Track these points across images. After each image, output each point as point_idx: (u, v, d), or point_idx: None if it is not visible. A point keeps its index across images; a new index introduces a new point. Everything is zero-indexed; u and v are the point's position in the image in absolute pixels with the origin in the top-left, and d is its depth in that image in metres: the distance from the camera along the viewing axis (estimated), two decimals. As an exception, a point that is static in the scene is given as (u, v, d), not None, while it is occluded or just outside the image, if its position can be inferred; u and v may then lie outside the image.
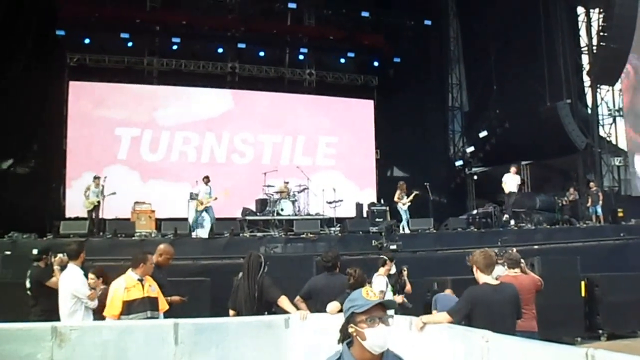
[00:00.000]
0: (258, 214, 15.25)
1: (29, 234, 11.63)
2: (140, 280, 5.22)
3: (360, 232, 13.35)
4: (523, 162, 20.56)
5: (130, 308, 5.06)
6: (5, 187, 16.45)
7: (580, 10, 19.71)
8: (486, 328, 3.93)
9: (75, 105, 18.16)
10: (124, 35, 19.52)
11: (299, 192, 15.65)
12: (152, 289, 5.27)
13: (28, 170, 18.60)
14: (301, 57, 22.28)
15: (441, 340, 4.38)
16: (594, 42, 18.48)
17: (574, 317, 9.79)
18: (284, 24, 22.04)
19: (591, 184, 16.73)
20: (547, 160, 20.37)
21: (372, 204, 16.04)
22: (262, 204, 15.47)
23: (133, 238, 12.00)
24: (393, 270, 7.34)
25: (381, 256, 7.40)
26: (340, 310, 3.32)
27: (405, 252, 11.79)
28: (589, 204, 16.03)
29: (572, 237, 14.18)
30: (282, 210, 14.82)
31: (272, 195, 15.19)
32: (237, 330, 4.80)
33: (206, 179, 13.70)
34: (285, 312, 5.20)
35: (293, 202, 15.14)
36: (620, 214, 15.49)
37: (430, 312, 6.08)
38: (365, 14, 22.12)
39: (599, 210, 15.83)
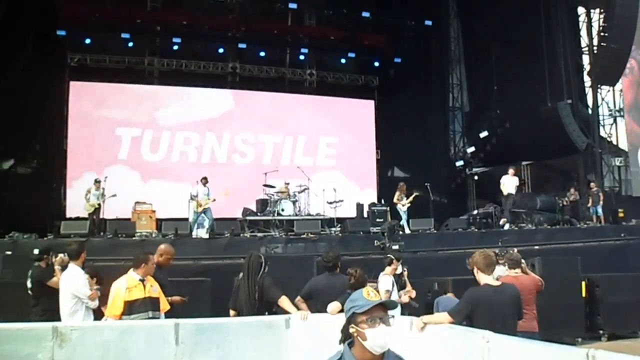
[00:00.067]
0: (258, 214, 15.25)
1: (30, 234, 11.63)
2: (142, 281, 5.22)
3: (361, 233, 13.35)
4: (524, 163, 20.55)
5: (131, 308, 5.06)
6: (6, 187, 16.45)
7: (581, 10, 19.70)
8: (487, 328, 3.92)
9: (75, 105, 18.17)
10: (124, 35, 19.51)
11: (299, 192, 15.64)
12: (153, 289, 5.28)
13: (29, 170, 18.61)
14: (302, 57, 22.27)
15: (442, 341, 4.38)
16: (595, 42, 18.47)
17: (574, 318, 9.79)
18: (285, 24, 22.04)
19: (592, 184, 16.72)
20: (548, 160, 20.36)
21: (372, 204, 16.03)
22: (263, 204, 15.47)
23: (134, 238, 11.99)
24: (399, 270, 7.32)
25: (388, 255, 7.37)
26: (341, 311, 3.32)
27: (405, 253, 11.76)
28: (589, 205, 16.03)
29: (573, 238, 14.17)
30: (282, 210, 14.82)
31: (273, 195, 15.19)
32: (238, 330, 4.80)
33: (204, 180, 13.69)
34: (285, 312, 5.20)
35: (294, 203, 15.14)
36: (621, 214, 15.49)
37: (431, 313, 6.08)
38: (365, 14, 22.11)
39: (600, 210, 15.83)
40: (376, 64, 23.03)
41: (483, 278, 4.61)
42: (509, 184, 15.06)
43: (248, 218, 14.79)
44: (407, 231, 13.95)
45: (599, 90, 19.17)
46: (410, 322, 4.63)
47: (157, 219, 14.37)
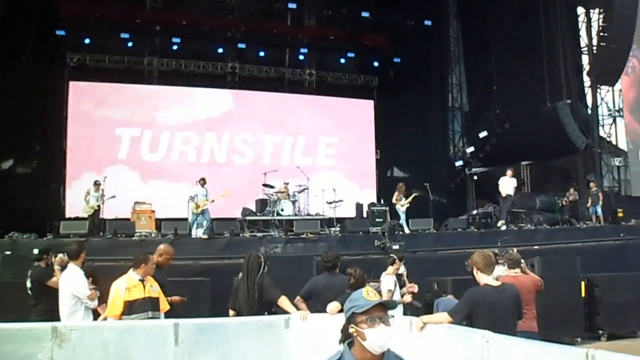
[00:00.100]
0: (258, 214, 15.24)
1: (29, 234, 11.62)
2: (142, 281, 5.22)
3: (361, 232, 13.35)
4: (523, 163, 20.57)
5: (131, 308, 5.06)
6: (5, 187, 16.45)
7: (581, 10, 19.71)
8: (487, 328, 3.93)
9: (75, 105, 18.15)
10: (124, 35, 19.51)
11: (299, 192, 15.64)
12: (153, 289, 5.28)
13: (28, 170, 18.61)
14: (301, 57, 22.27)
15: (441, 341, 4.38)
16: (594, 42, 18.47)
17: (574, 318, 9.78)
18: (284, 24, 22.04)
19: (591, 184, 16.72)
20: (547, 160, 20.38)
21: (372, 204, 16.03)
22: (262, 204, 15.46)
23: (133, 238, 11.98)
24: (402, 270, 7.30)
25: (391, 255, 7.36)
26: (341, 311, 3.32)
27: (405, 253, 11.77)
28: (589, 204, 16.04)
29: (572, 238, 14.18)
30: (282, 210, 14.81)
31: (272, 195, 15.19)
32: (238, 330, 4.80)
33: (202, 181, 13.67)
34: (285, 312, 5.20)
35: (293, 202, 15.13)
36: (620, 214, 15.51)
37: (430, 313, 6.08)
38: (365, 14, 22.11)
39: (599, 210, 15.83)
40: (376, 64, 23.02)
41: (483, 278, 4.61)
42: (507, 185, 15.01)
43: (247, 218, 14.78)
44: (407, 231, 13.96)
45: (598, 90, 19.17)
46: (410, 322, 4.63)
47: (157, 219, 14.36)
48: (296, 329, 4.94)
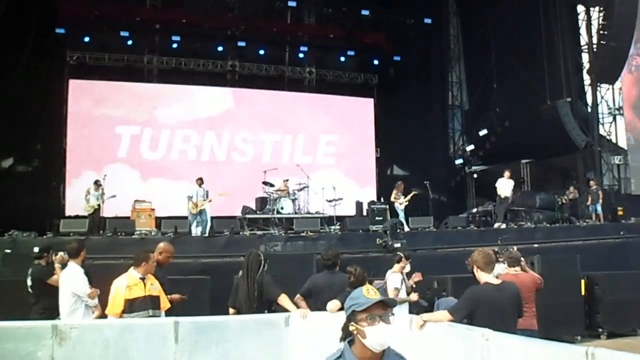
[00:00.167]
0: (258, 212, 15.24)
1: (29, 233, 11.62)
2: (142, 279, 5.22)
3: (360, 231, 13.36)
4: (523, 161, 20.60)
5: (132, 306, 5.06)
6: (5, 185, 16.46)
7: (581, 8, 19.68)
8: (487, 327, 3.92)
9: (75, 103, 18.14)
10: (124, 33, 19.49)
11: (299, 191, 15.64)
12: (153, 287, 5.28)
13: (28, 169, 18.64)
14: (301, 55, 22.27)
15: (441, 339, 4.38)
16: (594, 40, 18.45)
17: (574, 316, 9.78)
18: (284, 23, 22.04)
19: (591, 182, 16.72)
20: (547, 158, 20.39)
21: (372, 203, 16.04)
22: (262, 202, 15.46)
23: (133, 236, 12.00)
24: (407, 269, 7.29)
25: (397, 253, 7.35)
26: (341, 309, 3.32)
27: (405, 251, 11.79)
28: (589, 203, 16.04)
29: (572, 236, 14.18)
30: (282, 208, 14.81)
31: (272, 193, 15.19)
32: (238, 328, 4.80)
33: (200, 181, 13.65)
34: (285, 310, 5.20)
35: (293, 201, 15.14)
36: (620, 213, 15.52)
37: (431, 311, 6.08)
38: (365, 12, 22.13)
39: (599, 208, 15.83)
40: (376, 62, 23.01)
41: (483, 276, 4.61)
42: (504, 187, 14.87)
43: (247, 216, 14.78)
44: (406, 229, 13.95)
45: (598, 88, 19.17)
46: (410, 320, 4.63)
47: (157, 217, 14.35)
48: (296, 327, 4.94)
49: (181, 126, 19.30)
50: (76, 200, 15.33)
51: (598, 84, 19.07)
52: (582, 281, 10.08)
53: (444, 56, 24.09)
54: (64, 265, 6.20)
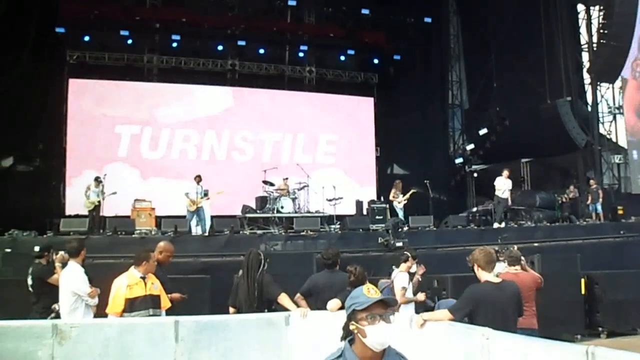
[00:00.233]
0: (258, 211, 15.24)
1: (29, 232, 11.65)
2: (143, 278, 5.22)
3: (361, 230, 13.36)
4: (523, 160, 20.61)
5: (132, 306, 5.06)
6: (5, 184, 16.47)
7: (581, 7, 19.69)
8: (488, 326, 3.93)
9: (75, 102, 18.13)
10: (124, 32, 19.47)
11: (299, 190, 15.65)
12: (154, 286, 5.27)
13: (28, 168, 18.63)
14: (301, 54, 22.25)
15: (442, 338, 4.38)
16: (594, 39, 18.47)
17: (574, 315, 9.78)
18: (284, 22, 22.03)
19: (591, 181, 16.71)
20: (547, 157, 20.39)
21: (372, 202, 16.03)
22: (262, 201, 15.46)
23: (133, 236, 12.00)
24: (414, 269, 7.28)
25: (404, 252, 7.34)
26: (341, 308, 3.32)
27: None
28: (589, 202, 16.04)
29: (572, 235, 14.19)
30: (282, 207, 14.82)
31: (272, 192, 15.19)
32: (238, 327, 4.80)
33: (198, 179, 13.62)
34: (285, 309, 5.20)
35: (293, 200, 15.14)
36: (620, 212, 15.54)
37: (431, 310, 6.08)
38: (365, 11, 22.13)
39: (599, 207, 15.83)
40: (376, 61, 23.00)
41: (483, 275, 4.60)
42: (502, 187, 14.83)
43: (247, 215, 14.79)
44: (405, 228, 13.95)
45: (598, 87, 19.17)
46: (410, 320, 4.63)
47: (157, 217, 14.32)
48: (296, 326, 4.94)
49: (181, 125, 19.30)
50: (76, 200, 15.33)
51: (598, 83, 19.07)
52: (582, 280, 10.07)
53: (444, 55, 24.07)
54: (64, 265, 6.21)
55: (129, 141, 18.60)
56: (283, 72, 22.00)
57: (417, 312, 6.15)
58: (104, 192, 13.44)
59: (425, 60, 23.82)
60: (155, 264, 5.43)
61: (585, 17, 19.35)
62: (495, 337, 3.77)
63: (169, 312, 5.36)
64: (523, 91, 19.08)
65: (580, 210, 16.41)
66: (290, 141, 20.52)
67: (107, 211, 13.76)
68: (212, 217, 13.57)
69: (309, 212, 15.52)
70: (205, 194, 13.59)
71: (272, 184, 15.44)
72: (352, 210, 16.91)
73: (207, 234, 12.55)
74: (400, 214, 14.58)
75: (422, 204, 15.77)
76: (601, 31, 17.75)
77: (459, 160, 23.72)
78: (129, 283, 5.14)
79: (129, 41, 19.67)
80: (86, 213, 13.43)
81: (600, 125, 19.36)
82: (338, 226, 14.28)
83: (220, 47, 20.94)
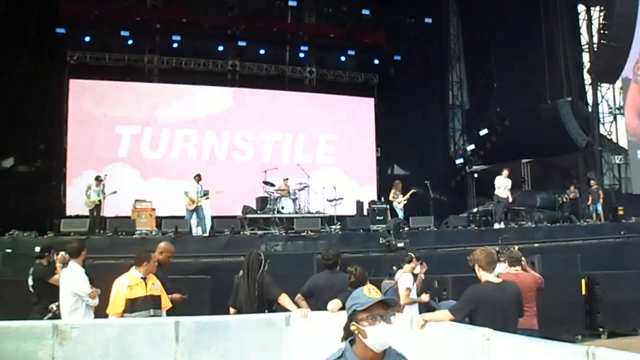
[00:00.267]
0: (258, 212, 15.23)
1: (30, 232, 11.64)
2: (144, 279, 5.22)
3: (361, 230, 13.35)
4: (523, 160, 20.59)
5: (133, 306, 5.06)
6: (5, 184, 16.47)
7: (581, 8, 19.68)
8: (488, 326, 3.92)
9: (75, 103, 18.15)
10: (124, 33, 19.49)
11: (299, 190, 15.64)
12: (155, 287, 5.27)
13: (29, 169, 18.64)
14: (302, 55, 22.27)
15: (442, 338, 4.38)
16: (595, 40, 18.47)
17: (574, 315, 9.77)
18: (285, 22, 22.04)
19: (592, 182, 16.71)
20: (548, 158, 20.38)
21: (372, 202, 16.05)
22: (263, 202, 15.45)
23: (133, 236, 11.99)
24: (417, 270, 7.27)
25: (409, 253, 7.33)
26: (342, 308, 3.32)
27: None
28: (589, 202, 16.05)
29: (573, 235, 14.18)
30: (282, 208, 14.81)
31: (273, 193, 15.19)
32: (238, 328, 4.80)
33: (197, 178, 13.63)
34: (286, 310, 5.20)
35: (293, 200, 15.13)
36: (621, 212, 15.53)
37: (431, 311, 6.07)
38: (365, 11, 22.14)
39: (600, 208, 15.84)
40: (376, 61, 23.01)
41: (484, 275, 4.60)
42: (502, 186, 14.83)
43: (248, 216, 14.78)
44: (406, 228, 13.95)
45: (598, 87, 19.17)
46: (411, 320, 4.63)
47: (157, 217, 14.34)
48: (297, 326, 4.94)
49: (181, 126, 19.31)
50: (77, 200, 15.34)
51: (598, 83, 19.07)
52: (583, 281, 10.06)
53: (444, 55, 24.06)
54: (65, 265, 6.21)
55: (129, 141, 18.62)
56: (283, 72, 22.00)
57: (420, 312, 6.16)
58: (105, 191, 13.44)
59: (425, 61, 23.82)
60: (155, 265, 5.43)
61: (586, 18, 19.36)
62: (495, 338, 3.77)
63: (170, 313, 5.36)
64: (523, 91, 19.07)
65: (581, 211, 16.41)
66: (290, 141, 20.53)
67: (107, 211, 13.76)
68: (213, 218, 13.56)
69: (309, 212, 15.51)
70: (205, 194, 13.60)
71: (272, 185, 15.43)
72: (352, 211, 16.91)
73: (207, 234, 12.54)
74: (400, 215, 14.59)
75: (423, 204, 15.77)
76: (601, 31, 17.75)
77: (459, 161, 23.72)
78: (130, 283, 5.14)
79: (130, 41, 19.69)
80: (87, 213, 13.44)
81: (601, 125, 19.36)
82: (338, 227, 14.27)
83: (220, 48, 20.95)
